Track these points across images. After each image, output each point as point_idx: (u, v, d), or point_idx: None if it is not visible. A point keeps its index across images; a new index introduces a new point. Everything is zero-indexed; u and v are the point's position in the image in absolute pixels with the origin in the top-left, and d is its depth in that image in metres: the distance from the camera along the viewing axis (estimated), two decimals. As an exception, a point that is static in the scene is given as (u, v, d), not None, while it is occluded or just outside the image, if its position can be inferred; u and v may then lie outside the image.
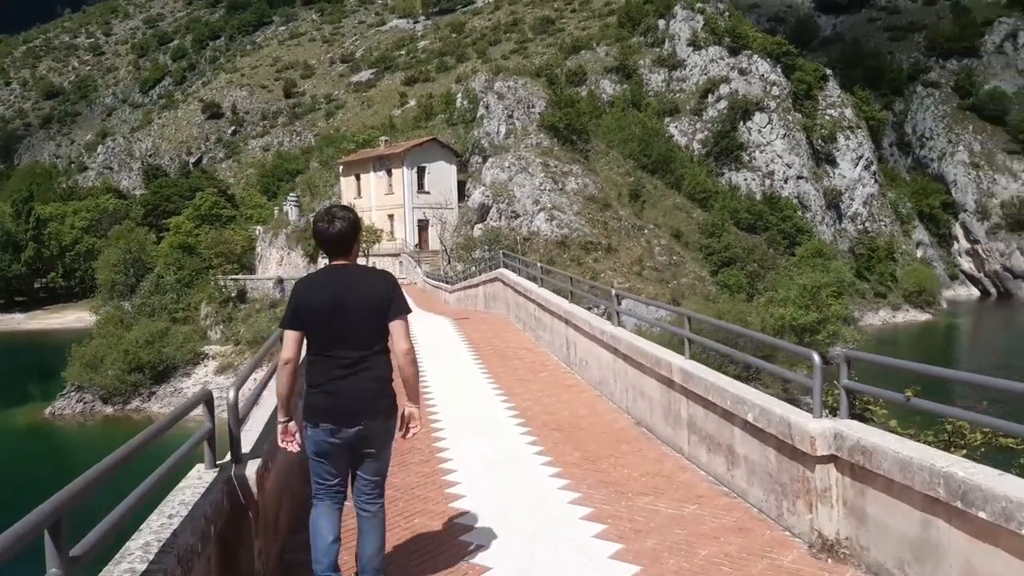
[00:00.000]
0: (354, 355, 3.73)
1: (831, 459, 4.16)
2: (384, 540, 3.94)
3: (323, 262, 4.76)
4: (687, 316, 6.53)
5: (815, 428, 4.19)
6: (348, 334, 3.73)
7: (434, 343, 13.96)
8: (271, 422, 4.46)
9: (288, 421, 3.87)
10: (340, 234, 3.82)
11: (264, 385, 5.06)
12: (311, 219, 51.08)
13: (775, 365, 5.30)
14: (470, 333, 14.80)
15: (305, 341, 3.83)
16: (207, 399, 3.92)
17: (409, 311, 3.98)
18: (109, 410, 43.84)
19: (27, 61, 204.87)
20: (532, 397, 8.61)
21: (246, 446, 4.18)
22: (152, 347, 45.13)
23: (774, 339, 4.90)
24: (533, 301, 12.76)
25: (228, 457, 4.00)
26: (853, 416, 4.28)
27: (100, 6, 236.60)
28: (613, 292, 8.52)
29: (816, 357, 4.27)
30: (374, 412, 3.76)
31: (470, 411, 8.04)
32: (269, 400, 4.79)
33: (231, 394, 4.08)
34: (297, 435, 3.90)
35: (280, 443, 3.90)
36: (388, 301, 3.79)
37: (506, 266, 17.12)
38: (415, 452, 6.48)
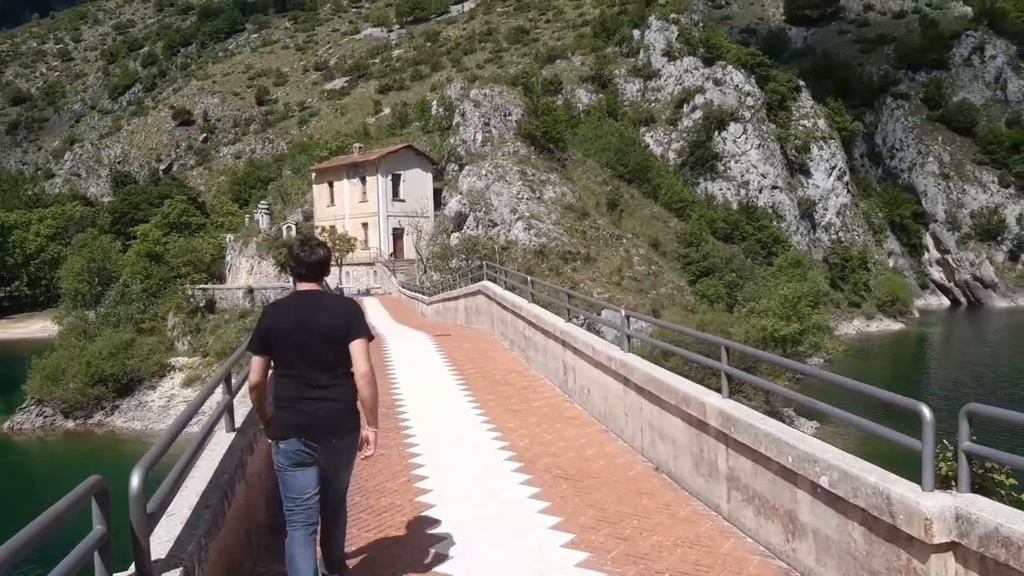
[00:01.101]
0: (320, 376, 3.94)
1: (950, 547, 3.20)
2: (346, 526, 4.39)
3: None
4: (723, 346, 5.33)
5: (931, 506, 3.22)
6: (313, 356, 3.94)
7: (412, 363, 12.77)
8: (200, 507, 3.75)
9: (268, 421, 4.16)
10: (319, 261, 4.14)
11: (187, 467, 3.78)
12: (290, 241, 49.19)
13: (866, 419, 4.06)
14: (452, 352, 13.64)
15: (272, 362, 4.05)
16: (98, 491, 2.75)
17: (370, 335, 4.14)
18: (71, 424, 42.36)
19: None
20: (528, 432, 7.57)
21: (158, 550, 3.13)
22: (116, 359, 43.58)
23: (860, 383, 3.86)
24: (523, 318, 11.73)
25: (132, 570, 2.94)
26: (973, 488, 3.31)
27: (69, 12, 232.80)
28: (623, 313, 7.43)
29: (927, 412, 3.31)
30: (341, 430, 3.99)
31: (458, 452, 6.94)
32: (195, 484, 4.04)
33: (135, 481, 2.87)
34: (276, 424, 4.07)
35: (268, 438, 4.19)
36: (348, 324, 4.00)
37: (490, 278, 16.02)
38: (394, 510, 5.43)
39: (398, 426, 7.92)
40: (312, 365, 3.93)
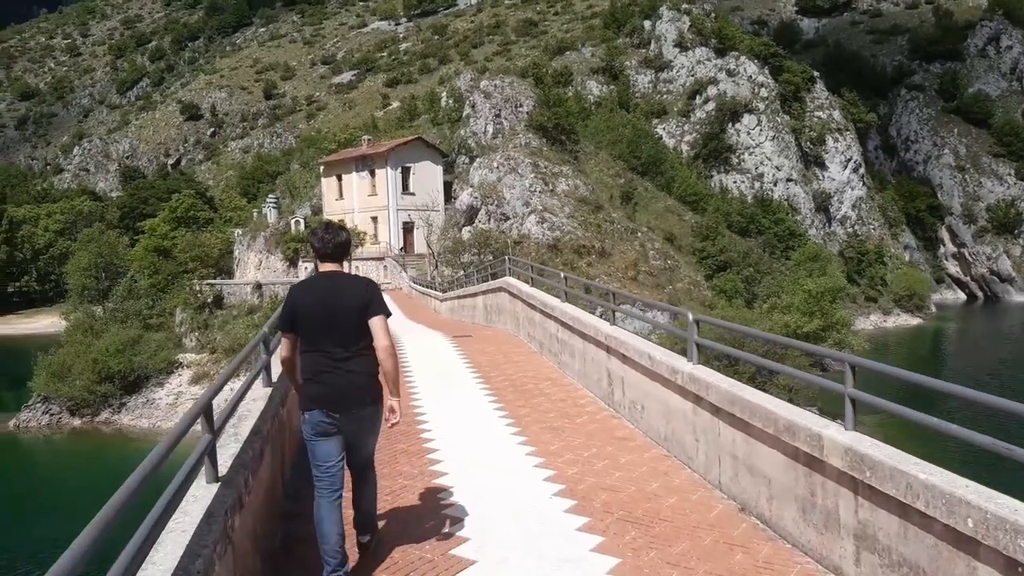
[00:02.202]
0: (341, 351, 4.17)
1: None
2: (376, 493, 4.57)
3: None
4: (848, 363, 4.07)
5: None
6: (335, 332, 4.17)
7: (432, 369, 11.44)
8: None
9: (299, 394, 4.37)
10: (341, 243, 4.39)
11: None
12: (299, 235, 49.11)
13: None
14: (475, 355, 12.40)
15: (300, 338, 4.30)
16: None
17: (388, 312, 4.35)
18: (77, 422, 41.82)
19: (2, 62, 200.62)
20: (575, 457, 6.39)
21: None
22: (123, 355, 42.86)
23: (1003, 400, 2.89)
24: (555, 319, 10.51)
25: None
26: None
27: (77, 7, 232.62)
28: (691, 317, 6.11)
29: None
30: (361, 401, 4.22)
31: (494, 483, 5.76)
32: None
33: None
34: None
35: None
36: (367, 302, 4.22)
37: (515, 274, 14.82)
38: (424, 567, 4.36)
39: (421, 449, 6.86)
40: (334, 341, 4.17)
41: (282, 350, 4.41)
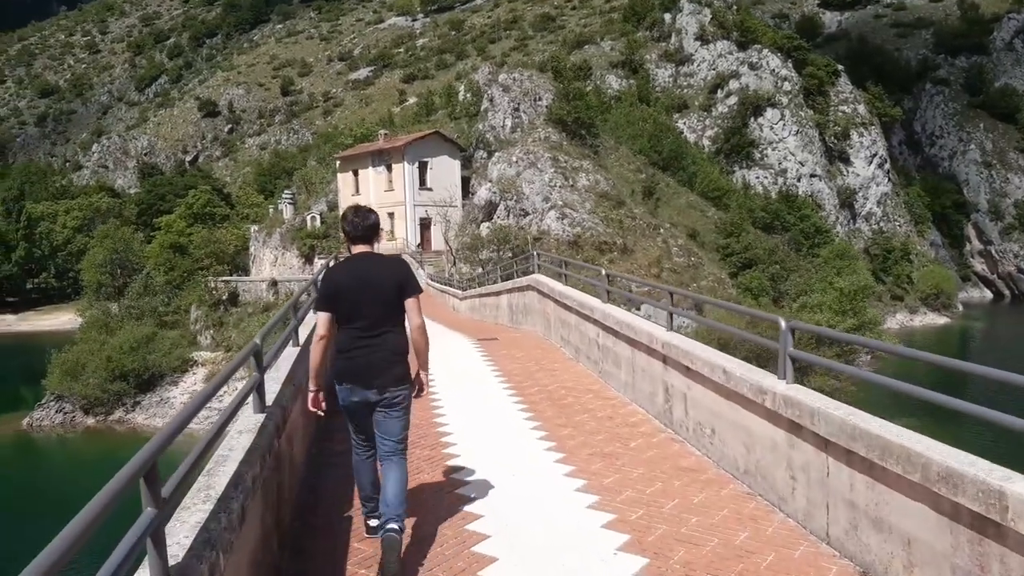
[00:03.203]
0: (373, 329, 4.36)
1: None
2: (406, 483, 4.44)
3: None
4: None
5: None
6: (369, 310, 4.36)
7: (456, 378, 10.16)
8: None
9: (317, 391, 4.50)
10: (372, 224, 4.59)
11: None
12: (315, 231, 49.36)
13: None
14: (503, 361, 11.22)
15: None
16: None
17: (420, 290, 4.57)
18: (91, 421, 41.37)
19: (23, 59, 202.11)
20: (637, 494, 5.25)
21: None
22: (137, 354, 42.25)
23: None
24: (596, 323, 9.34)
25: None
26: None
27: (96, 4, 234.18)
28: (783, 324, 4.99)
29: None
30: (389, 378, 4.37)
31: (541, 529, 4.64)
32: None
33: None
34: (324, 402, 4.55)
35: (310, 407, 4.55)
36: (402, 282, 4.43)
37: (544, 270, 13.69)
38: None
39: (450, 481, 5.72)
40: (368, 318, 4.32)
41: (320, 328, 4.41)
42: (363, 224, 4.49)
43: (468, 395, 9.08)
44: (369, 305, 4.31)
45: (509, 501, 5.25)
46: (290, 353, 6.54)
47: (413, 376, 4.48)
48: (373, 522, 4.59)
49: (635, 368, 8.05)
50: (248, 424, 4.39)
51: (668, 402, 7.09)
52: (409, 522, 4.64)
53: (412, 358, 4.45)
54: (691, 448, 6.45)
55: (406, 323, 4.44)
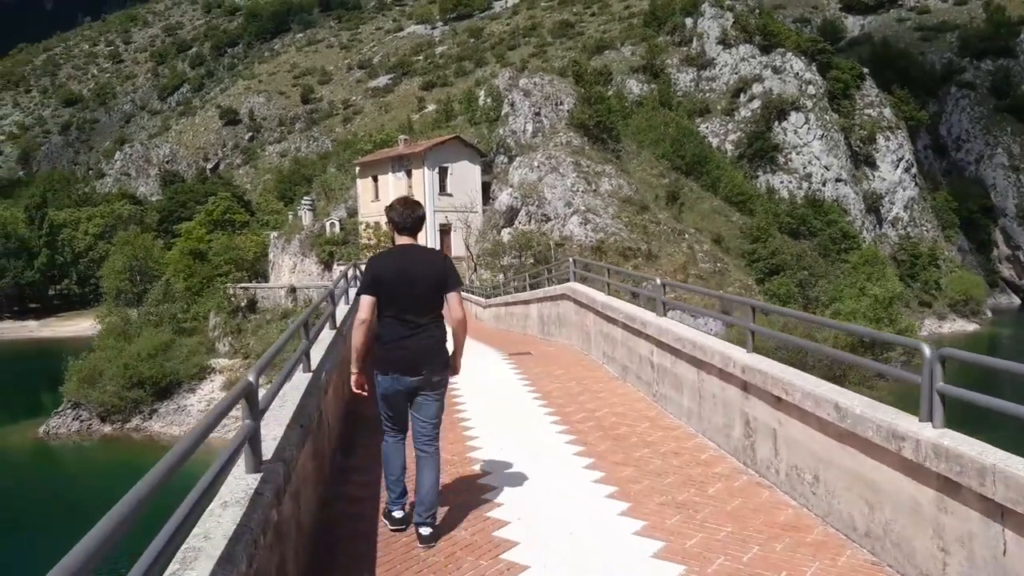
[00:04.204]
0: (417, 319, 4.49)
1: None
2: (439, 476, 4.60)
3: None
4: None
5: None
6: (413, 301, 4.49)
7: (489, 400, 8.96)
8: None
9: (360, 372, 4.69)
10: (419, 217, 4.73)
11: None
12: (334, 238, 49.68)
13: None
14: (540, 380, 9.98)
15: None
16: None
17: (462, 284, 4.96)
18: (108, 429, 41.07)
19: (47, 69, 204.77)
20: (733, 565, 4.20)
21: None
22: (154, 361, 41.91)
23: None
24: (650, 339, 8.16)
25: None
26: None
27: (120, 15, 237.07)
28: (926, 351, 3.93)
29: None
30: (432, 365, 4.54)
31: None
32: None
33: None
34: (366, 384, 4.71)
35: (354, 388, 4.77)
36: (445, 276, 4.57)
37: (581, 279, 12.41)
38: None
39: (489, 540, 4.62)
40: (411, 309, 4.48)
41: (362, 312, 4.50)
42: (412, 215, 4.65)
43: (503, 420, 7.92)
44: (415, 295, 4.44)
45: (564, 566, 4.27)
46: (300, 380, 5.44)
47: (451, 366, 4.67)
48: (398, 513, 4.67)
49: (702, 394, 7.03)
50: (236, 491, 3.23)
51: (749, 437, 6.04)
52: None
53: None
54: (783, 496, 5.39)
55: (444, 315, 4.58)
